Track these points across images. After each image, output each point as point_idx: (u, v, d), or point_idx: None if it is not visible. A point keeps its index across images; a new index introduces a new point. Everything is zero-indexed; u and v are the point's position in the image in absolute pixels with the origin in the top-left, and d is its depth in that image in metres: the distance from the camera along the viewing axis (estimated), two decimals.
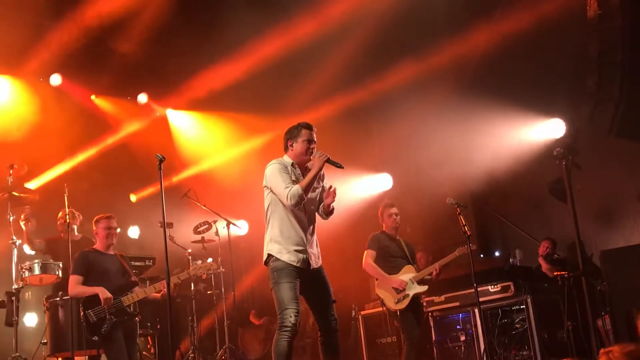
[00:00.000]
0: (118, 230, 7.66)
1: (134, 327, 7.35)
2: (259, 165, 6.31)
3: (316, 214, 6.05)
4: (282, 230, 5.82)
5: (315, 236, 5.99)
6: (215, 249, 9.78)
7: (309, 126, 6.03)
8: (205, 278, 9.56)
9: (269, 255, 5.83)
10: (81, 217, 8.75)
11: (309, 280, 5.84)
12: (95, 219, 7.56)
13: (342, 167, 5.91)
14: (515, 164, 10.00)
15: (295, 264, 5.74)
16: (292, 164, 5.96)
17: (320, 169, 5.85)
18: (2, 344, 8.38)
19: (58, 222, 8.69)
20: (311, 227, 5.96)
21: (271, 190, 5.90)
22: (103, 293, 7.02)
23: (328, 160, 5.88)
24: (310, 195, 5.90)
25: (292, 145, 6.00)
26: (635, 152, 9.21)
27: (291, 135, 6.03)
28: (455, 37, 9.71)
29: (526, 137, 10.26)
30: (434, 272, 8.05)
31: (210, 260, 8.35)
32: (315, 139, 5.99)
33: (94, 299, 7.02)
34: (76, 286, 7.17)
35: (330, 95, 10.44)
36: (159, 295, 7.61)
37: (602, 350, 2.15)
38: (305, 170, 5.97)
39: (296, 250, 5.77)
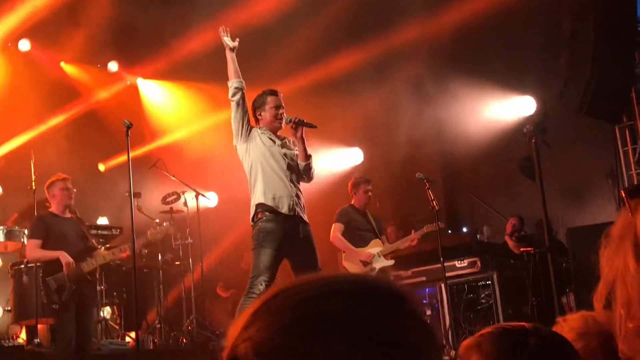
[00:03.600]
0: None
1: (92, 296, 7.23)
2: (229, 137, 6.27)
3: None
4: (268, 184, 5.83)
5: (301, 196, 6.01)
6: (183, 220, 9.71)
7: (273, 92, 6.02)
8: (174, 248, 9.50)
9: (257, 212, 5.81)
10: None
11: (297, 239, 5.83)
12: (49, 181, 7.26)
13: (315, 127, 5.92)
14: (485, 140, 10.04)
15: (285, 213, 5.74)
16: (263, 130, 5.97)
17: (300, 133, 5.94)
18: None
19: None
20: (295, 181, 5.97)
21: (237, 132, 5.89)
22: (64, 257, 6.78)
23: (300, 122, 5.88)
24: (289, 153, 5.93)
25: (260, 115, 5.98)
26: (605, 131, 9.27)
27: (257, 104, 6.02)
28: (429, 12, 9.67)
29: (497, 114, 10.29)
30: (408, 243, 8.07)
31: (166, 224, 8.15)
32: (283, 104, 5.98)
33: (53, 265, 6.81)
34: (35, 250, 6.94)
35: (303, 67, 10.35)
36: (124, 255, 7.41)
37: (558, 319, 2.15)
38: (277, 137, 5.99)
39: (285, 204, 5.79)
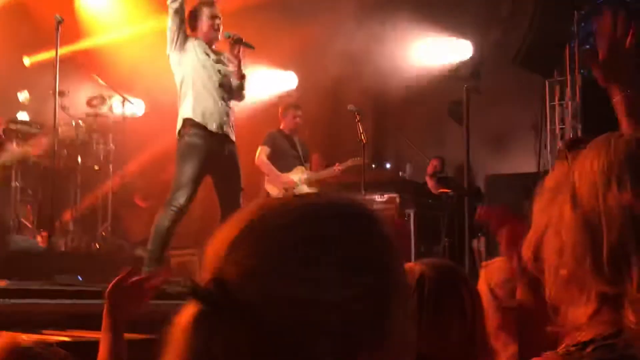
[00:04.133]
0: None
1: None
2: (162, 45, 6.13)
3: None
4: (198, 99, 5.76)
5: (231, 115, 5.95)
6: (107, 125, 9.51)
7: (208, 2, 5.92)
8: (94, 151, 9.31)
9: (184, 126, 5.75)
10: None
11: (222, 156, 5.80)
12: None
13: (253, 48, 5.86)
14: (418, 79, 10.08)
15: (211, 130, 5.70)
16: (199, 41, 5.87)
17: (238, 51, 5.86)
18: None
19: None
20: (226, 99, 5.91)
21: (171, 40, 5.79)
22: None
23: (239, 40, 5.80)
24: (223, 69, 5.81)
25: (196, 25, 5.89)
26: (536, 83, 9.43)
27: (193, 15, 5.90)
28: None
29: (433, 54, 10.31)
30: (331, 174, 8.14)
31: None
32: (220, 15, 5.89)
33: None
34: None
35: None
36: (35, 152, 7.23)
37: (483, 263, 2.23)
38: (213, 52, 5.90)
39: (213, 120, 5.74)
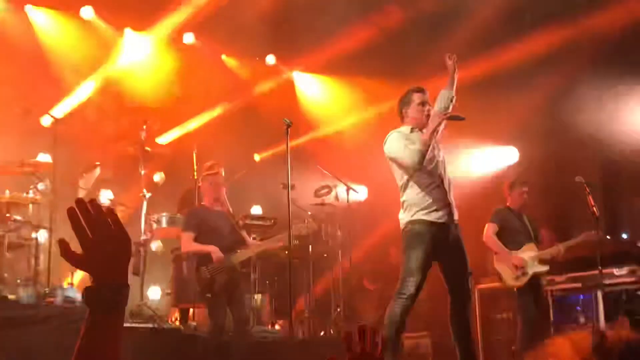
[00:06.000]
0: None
1: (243, 286, 7.47)
2: (382, 131, 6.29)
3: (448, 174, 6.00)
4: (419, 192, 5.80)
5: (452, 195, 5.94)
6: (334, 212, 9.85)
7: (419, 89, 6.01)
8: (324, 240, 9.65)
9: (408, 214, 5.82)
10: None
11: (447, 243, 5.79)
12: (202, 176, 7.66)
13: (463, 119, 5.83)
14: None
15: (436, 220, 5.72)
16: (411, 129, 5.94)
17: (440, 124, 5.77)
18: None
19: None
20: (446, 182, 5.91)
21: (394, 160, 5.88)
22: (215, 253, 7.04)
23: (448, 116, 5.80)
24: (436, 156, 5.85)
25: (406, 112, 5.98)
26: None
27: (403, 103, 6.03)
28: (591, 10, 9.29)
29: None
30: (557, 254, 7.83)
31: (309, 221, 8.31)
32: (429, 101, 5.93)
33: (207, 256, 7.09)
34: (189, 244, 7.23)
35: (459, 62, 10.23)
36: (278, 246, 7.63)
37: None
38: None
39: (436, 209, 5.76)
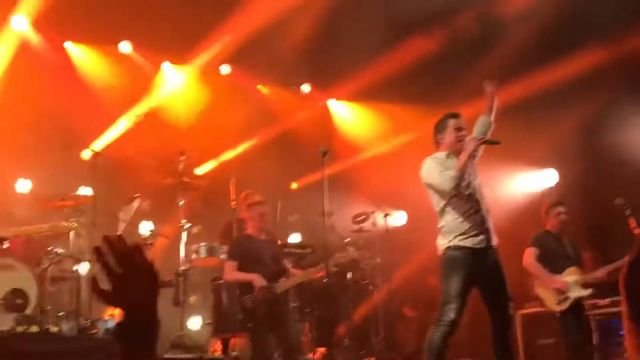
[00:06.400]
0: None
1: (287, 313, 7.41)
2: (418, 157, 6.28)
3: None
4: (457, 217, 5.77)
5: (490, 220, 5.89)
6: (373, 239, 9.82)
7: (454, 115, 6.01)
8: (362, 267, 9.62)
9: (446, 240, 5.80)
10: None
11: (486, 268, 5.74)
12: (247, 203, 7.69)
13: (499, 143, 5.81)
14: None
15: (474, 246, 5.68)
16: (447, 155, 5.91)
17: (475, 149, 5.76)
18: (169, 322, 8.81)
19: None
20: (484, 208, 5.86)
21: (430, 186, 5.87)
22: (257, 282, 7.07)
23: (483, 141, 5.78)
24: (472, 181, 5.81)
25: (442, 138, 5.97)
26: None
27: (438, 129, 6.02)
28: (632, 29, 9.21)
29: None
30: (600, 277, 7.70)
31: (352, 250, 8.30)
32: (465, 126, 5.92)
33: (249, 285, 7.11)
34: (231, 272, 7.28)
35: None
36: (319, 275, 7.63)
37: None
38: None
39: (475, 234, 5.72)
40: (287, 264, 7.80)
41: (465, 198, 5.79)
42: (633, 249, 2.06)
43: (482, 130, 5.94)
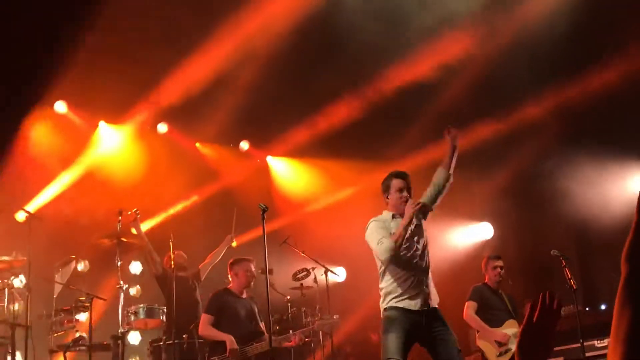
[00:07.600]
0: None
1: None
2: (358, 212, 6.33)
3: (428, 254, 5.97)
4: (396, 279, 5.78)
5: (430, 277, 5.90)
6: (313, 295, 9.79)
7: (399, 174, 5.98)
8: (305, 324, 9.55)
9: (385, 300, 5.80)
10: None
11: (425, 330, 5.72)
12: (235, 259, 7.66)
13: (432, 209, 5.89)
14: (624, 213, 9.65)
15: (409, 307, 5.68)
16: (393, 216, 5.94)
17: (411, 218, 5.77)
18: None
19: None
20: (424, 270, 5.88)
21: (371, 249, 5.90)
22: (231, 343, 7.02)
23: (420, 206, 5.83)
24: (413, 243, 5.84)
25: (387, 198, 6.00)
26: None
27: (383, 188, 6.04)
28: (558, 86, 9.55)
29: (636, 185, 9.90)
30: None
31: (336, 317, 8.37)
32: (408, 186, 5.92)
33: (221, 344, 7.05)
34: (207, 327, 7.23)
35: (428, 144, 10.39)
36: (291, 343, 7.57)
37: None
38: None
39: (410, 297, 5.71)
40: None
41: (403, 262, 5.78)
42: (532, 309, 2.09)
43: (438, 184, 5.95)
